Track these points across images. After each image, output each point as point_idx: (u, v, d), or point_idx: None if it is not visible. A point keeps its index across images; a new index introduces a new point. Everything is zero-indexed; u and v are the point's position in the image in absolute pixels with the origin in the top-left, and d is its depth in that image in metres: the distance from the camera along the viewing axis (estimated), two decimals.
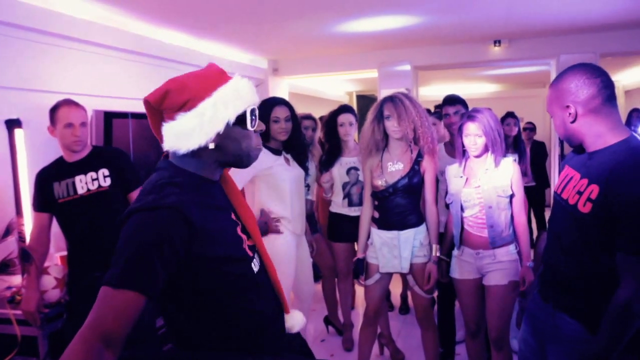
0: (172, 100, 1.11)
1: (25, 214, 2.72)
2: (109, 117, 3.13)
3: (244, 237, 1.21)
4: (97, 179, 2.35)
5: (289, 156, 2.75)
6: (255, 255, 1.24)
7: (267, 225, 2.59)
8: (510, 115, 4.32)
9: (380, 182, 2.49)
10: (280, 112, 2.63)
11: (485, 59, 5.34)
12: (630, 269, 1.33)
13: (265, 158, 2.59)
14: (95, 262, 2.23)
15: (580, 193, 1.44)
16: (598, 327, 1.38)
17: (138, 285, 0.96)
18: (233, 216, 1.23)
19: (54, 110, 2.31)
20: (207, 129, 1.10)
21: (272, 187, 2.62)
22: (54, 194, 2.33)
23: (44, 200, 2.35)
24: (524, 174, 4.00)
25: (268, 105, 2.66)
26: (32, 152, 2.76)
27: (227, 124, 1.12)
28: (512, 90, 10.10)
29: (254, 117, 1.17)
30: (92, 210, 2.33)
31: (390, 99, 2.47)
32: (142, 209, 1.03)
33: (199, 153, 1.14)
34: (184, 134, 1.09)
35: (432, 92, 9.40)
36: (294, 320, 1.34)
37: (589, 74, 1.44)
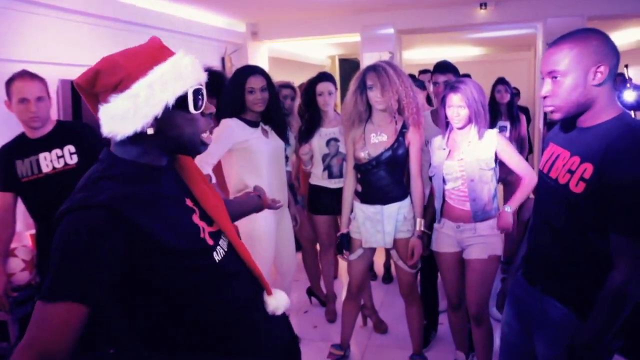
0: (103, 81, 0.99)
1: None
2: None
3: (202, 224, 1.11)
4: (62, 156, 2.21)
5: (267, 128, 2.64)
6: (221, 242, 1.14)
7: (262, 200, 2.50)
8: (500, 81, 4.11)
9: (363, 155, 2.40)
10: (255, 82, 2.50)
11: (471, 22, 5.21)
12: (625, 251, 1.27)
13: (241, 130, 2.50)
14: None
15: (571, 172, 1.36)
16: (588, 313, 1.33)
17: (73, 295, 0.87)
18: (189, 203, 1.12)
19: (8, 84, 2.16)
20: (143, 113, 0.97)
21: (248, 161, 2.53)
22: (17, 172, 2.20)
23: (6, 179, 2.23)
24: (519, 143, 3.90)
25: (242, 75, 2.53)
26: None
27: (166, 107, 0.99)
28: (497, 53, 9.98)
29: (199, 98, 1.04)
30: (59, 190, 2.20)
31: (374, 68, 2.35)
32: (72, 210, 0.93)
33: (139, 139, 1.02)
34: (118, 117, 0.97)
35: (416, 56, 9.24)
36: (278, 302, 1.23)
37: (612, 41, 1.35)
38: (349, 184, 2.53)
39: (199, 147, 1.09)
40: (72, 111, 2.93)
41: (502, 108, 3.99)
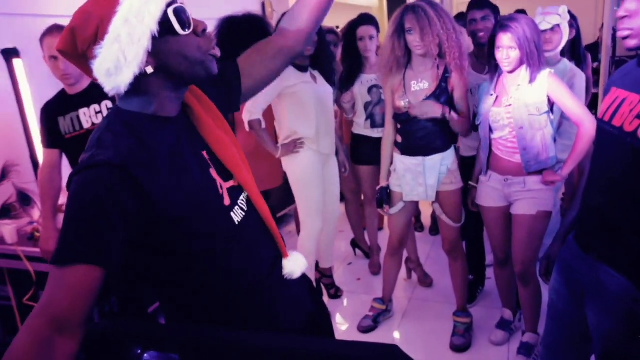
0: (81, 36, 0.90)
1: (38, 150, 2.65)
2: None
3: (219, 180, 1.02)
4: (100, 111, 2.20)
5: (316, 73, 2.64)
6: (240, 200, 1.05)
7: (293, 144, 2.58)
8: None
9: (402, 104, 2.26)
10: None
11: None
12: None
13: (290, 75, 2.49)
14: None
15: None
16: None
17: (86, 257, 0.82)
18: (206, 155, 1.02)
19: (41, 40, 2.12)
20: (133, 52, 0.88)
21: (297, 105, 2.55)
22: (60, 129, 2.21)
23: (51, 136, 2.25)
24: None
25: None
26: (34, 83, 2.63)
27: (154, 37, 0.89)
28: None
29: (184, 16, 0.92)
30: None
31: (412, 9, 2.16)
32: (78, 171, 0.87)
33: (143, 86, 0.94)
34: (112, 68, 0.89)
35: None
36: (294, 265, 1.13)
37: None
38: (388, 134, 2.41)
39: (209, 64, 0.97)
40: None
41: (565, 46, 3.61)
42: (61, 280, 0.81)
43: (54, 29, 2.10)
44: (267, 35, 2.70)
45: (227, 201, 1.01)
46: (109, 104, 2.19)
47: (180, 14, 0.91)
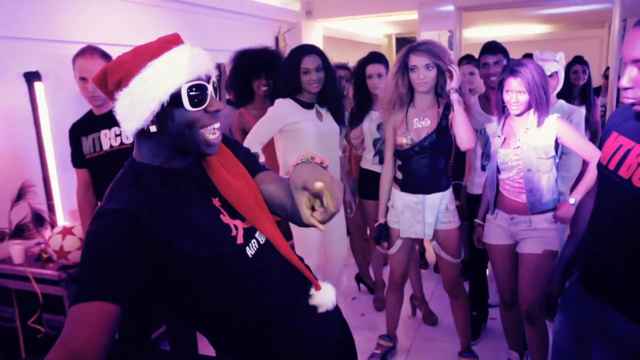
0: (110, 79, 0.99)
1: (51, 172, 2.68)
2: None
3: (234, 222, 1.08)
4: (120, 134, 2.21)
5: (323, 110, 2.58)
6: (255, 238, 1.10)
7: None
8: (578, 61, 3.72)
9: (405, 141, 2.29)
10: (310, 62, 2.44)
11: None
12: None
13: (293, 111, 2.46)
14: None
15: None
16: None
17: (100, 294, 0.87)
18: (217, 202, 1.08)
19: (73, 61, 2.16)
20: (141, 109, 0.95)
21: (296, 142, 2.49)
22: (83, 149, 2.23)
23: (77, 156, 2.26)
24: (592, 131, 3.56)
25: (297, 55, 2.48)
26: (54, 106, 2.69)
27: (162, 104, 0.96)
28: (565, 31, 9.36)
29: (200, 94, 0.98)
30: (115, 170, 2.20)
31: (416, 47, 2.23)
32: (95, 217, 0.96)
33: (149, 138, 1.02)
34: (123, 115, 0.99)
35: (477, 35, 8.82)
36: (322, 298, 1.13)
37: None
38: (387, 172, 2.43)
39: (202, 147, 1.02)
40: None
41: (576, 91, 3.67)
42: (80, 317, 0.86)
43: (86, 50, 2.14)
44: (277, 67, 2.74)
45: (239, 240, 1.06)
46: None
47: (198, 90, 0.97)
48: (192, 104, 0.98)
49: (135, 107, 0.95)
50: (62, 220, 2.72)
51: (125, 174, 1.04)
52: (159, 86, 0.95)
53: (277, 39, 5.12)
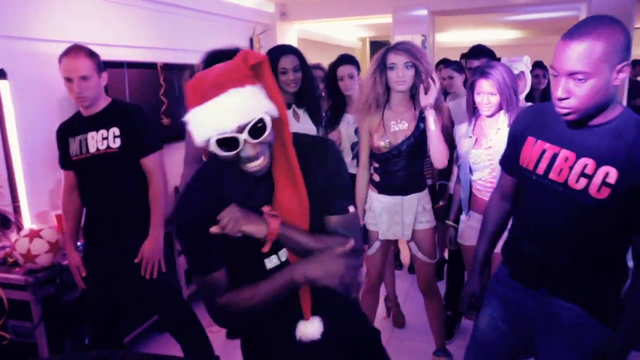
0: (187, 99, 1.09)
1: (17, 173, 2.60)
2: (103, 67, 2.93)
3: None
4: (107, 138, 2.10)
5: (301, 110, 2.56)
6: (278, 255, 1.17)
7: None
8: (538, 65, 3.83)
9: (382, 144, 2.27)
10: (287, 63, 2.43)
11: (510, 3, 4.97)
12: None
13: None
14: (106, 231, 2.08)
15: (587, 176, 1.27)
16: (604, 312, 1.33)
17: (206, 270, 1.20)
18: (266, 209, 1.13)
19: (59, 61, 2.06)
20: (195, 135, 1.07)
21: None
22: (69, 150, 2.14)
23: (64, 157, 2.18)
24: None
25: (274, 56, 2.46)
26: (21, 106, 2.60)
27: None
28: (534, 37, 9.60)
29: (230, 144, 1.04)
30: (101, 173, 2.12)
31: (395, 47, 2.23)
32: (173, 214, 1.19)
33: None
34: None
35: (449, 39, 8.97)
36: (306, 330, 1.18)
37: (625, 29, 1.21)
38: (363, 174, 2.41)
39: (243, 169, 1.08)
40: None
41: (537, 94, 3.77)
42: (205, 282, 1.17)
43: (71, 50, 2.05)
44: None
45: (266, 248, 1.13)
46: (117, 131, 2.10)
47: (223, 144, 1.04)
48: (225, 150, 1.04)
49: (198, 137, 1.06)
50: (28, 223, 2.63)
51: (202, 169, 1.23)
52: (196, 132, 1.05)
53: (251, 41, 5.09)
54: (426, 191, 2.38)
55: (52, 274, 2.27)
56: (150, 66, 3.41)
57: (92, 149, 2.10)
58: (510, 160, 1.53)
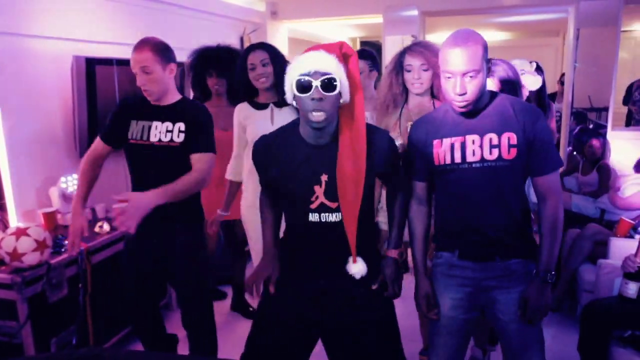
0: None
1: (3, 170, 2.56)
2: (91, 64, 2.89)
3: (322, 196, 1.53)
4: (171, 131, 2.07)
5: (283, 109, 2.45)
6: (327, 215, 1.53)
7: None
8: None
9: (398, 144, 2.25)
10: (254, 58, 2.40)
11: (500, 5, 5.01)
12: (553, 184, 1.61)
13: (246, 116, 2.47)
14: (154, 223, 1.94)
15: (496, 146, 1.58)
16: (533, 251, 1.66)
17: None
18: (324, 177, 1.51)
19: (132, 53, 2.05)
20: (287, 88, 1.52)
21: (246, 146, 2.51)
22: (128, 131, 2.10)
23: (115, 134, 2.13)
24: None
25: (244, 56, 2.46)
26: (6, 102, 2.57)
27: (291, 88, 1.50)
28: (523, 39, 9.68)
29: (304, 84, 1.44)
30: (158, 165, 2.08)
31: (411, 48, 2.20)
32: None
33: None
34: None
35: (440, 40, 8.99)
36: (355, 270, 1.57)
37: None
38: None
39: (309, 123, 1.50)
40: (86, 88, 2.87)
41: (531, 96, 3.79)
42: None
43: (139, 44, 2.02)
44: (233, 65, 2.76)
45: (313, 205, 1.54)
46: (183, 126, 2.06)
47: (300, 83, 1.46)
48: (299, 91, 1.45)
49: (286, 84, 1.51)
50: (14, 221, 2.60)
51: (291, 124, 1.65)
52: (287, 76, 1.50)
53: (242, 39, 5.07)
54: None
55: (39, 272, 2.24)
56: None
57: (153, 139, 2.07)
58: (422, 168, 1.72)
